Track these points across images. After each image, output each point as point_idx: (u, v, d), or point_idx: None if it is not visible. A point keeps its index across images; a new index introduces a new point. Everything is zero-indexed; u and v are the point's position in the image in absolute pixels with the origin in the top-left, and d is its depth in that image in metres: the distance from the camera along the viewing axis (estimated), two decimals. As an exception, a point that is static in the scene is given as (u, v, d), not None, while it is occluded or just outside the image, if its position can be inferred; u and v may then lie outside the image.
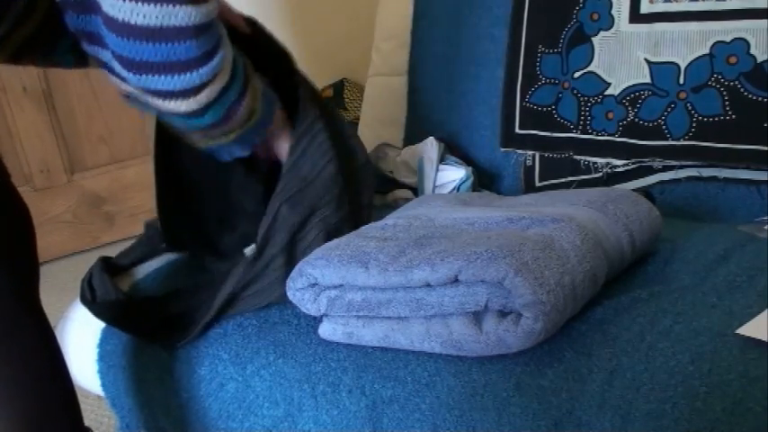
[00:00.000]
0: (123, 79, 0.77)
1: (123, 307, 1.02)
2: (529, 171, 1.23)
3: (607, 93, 1.15)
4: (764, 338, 0.68)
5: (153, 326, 0.98)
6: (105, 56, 0.79)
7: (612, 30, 1.14)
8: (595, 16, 1.16)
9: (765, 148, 1.02)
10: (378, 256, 0.78)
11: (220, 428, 0.91)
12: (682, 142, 1.08)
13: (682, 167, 1.10)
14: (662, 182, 1.12)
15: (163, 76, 0.73)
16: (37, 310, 0.81)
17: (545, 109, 1.21)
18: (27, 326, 0.78)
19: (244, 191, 1.05)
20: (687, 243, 0.92)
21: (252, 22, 1.00)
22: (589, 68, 1.16)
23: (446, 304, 0.74)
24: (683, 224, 1.00)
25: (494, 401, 0.73)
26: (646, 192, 1.03)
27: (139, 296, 1.06)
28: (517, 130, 1.24)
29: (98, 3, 0.71)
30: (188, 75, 0.73)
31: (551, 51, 1.20)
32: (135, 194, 2.38)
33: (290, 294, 0.84)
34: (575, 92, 1.18)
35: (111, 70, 0.79)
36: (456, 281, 0.74)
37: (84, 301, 1.03)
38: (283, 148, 0.94)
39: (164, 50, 0.71)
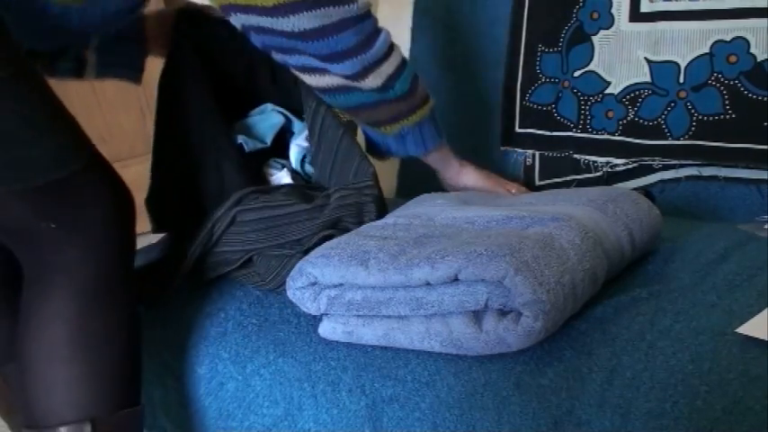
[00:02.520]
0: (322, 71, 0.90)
1: None
2: (529, 170, 1.23)
3: (607, 92, 1.15)
4: (764, 337, 0.68)
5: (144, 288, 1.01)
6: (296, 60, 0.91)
7: (612, 29, 1.14)
8: (595, 15, 1.16)
9: (765, 147, 1.02)
10: (378, 255, 0.78)
11: (220, 427, 0.91)
12: (682, 141, 1.08)
13: (682, 166, 1.10)
14: (662, 181, 1.12)
15: (341, 64, 0.88)
16: (131, 286, 0.90)
17: (545, 108, 1.21)
18: (117, 301, 0.87)
19: (238, 171, 1.06)
20: (687, 242, 0.92)
21: None
22: (589, 67, 1.16)
23: (446, 303, 0.74)
24: (683, 223, 1.00)
25: (494, 400, 0.73)
26: (646, 191, 1.03)
27: None
28: (517, 129, 1.24)
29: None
30: (352, 60, 0.88)
31: (551, 50, 1.20)
32: (135, 194, 2.38)
33: (289, 293, 0.84)
34: (575, 91, 1.18)
35: (304, 68, 0.92)
36: (456, 280, 0.74)
37: None
38: (461, 179, 1.09)
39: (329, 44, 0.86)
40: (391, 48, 0.92)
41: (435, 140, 1.04)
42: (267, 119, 1.13)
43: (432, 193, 1.03)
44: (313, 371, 0.84)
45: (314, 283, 0.82)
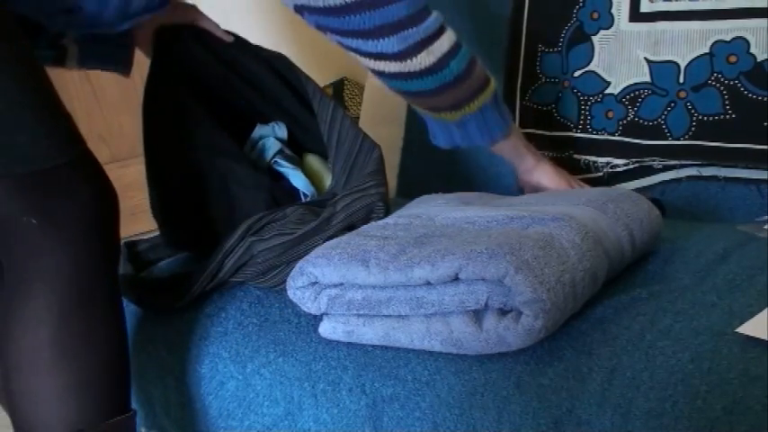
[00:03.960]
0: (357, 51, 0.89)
1: (131, 281, 1.04)
2: (529, 170, 1.23)
3: (607, 92, 1.15)
4: (764, 337, 0.68)
5: (155, 296, 1.01)
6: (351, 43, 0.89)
7: (612, 29, 1.14)
8: (595, 15, 1.16)
9: (765, 147, 1.02)
10: (378, 254, 0.78)
11: (220, 427, 0.91)
12: (682, 141, 1.08)
13: (682, 167, 1.10)
14: (662, 182, 1.12)
15: (387, 39, 0.86)
16: (115, 289, 0.87)
17: (545, 108, 1.21)
18: (99, 303, 0.84)
19: (244, 186, 1.05)
20: (687, 242, 0.92)
21: (232, 33, 1.08)
22: (589, 67, 1.16)
23: (446, 302, 0.74)
24: (683, 224, 1.00)
25: (494, 400, 0.73)
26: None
27: (149, 277, 1.09)
28: (517, 130, 1.24)
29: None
30: (404, 33, 0.86)
31: (551, 50, 1.20)
32: (135, 194, 2.37)
33: (290, 293, 0.84)
34: (575, 91, 1.18)
35: (357, 50, 0.90)
36: (456, 279, 0.74)
37: None
38: (534, 176, 1.07)
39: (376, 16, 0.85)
40: (443, 26, 0.91)
41: (501, 127, 1.01)
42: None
43: (432, 194, 1.04)
44: (313, 370, 0.84)
45: (314, 283, 0.82)
